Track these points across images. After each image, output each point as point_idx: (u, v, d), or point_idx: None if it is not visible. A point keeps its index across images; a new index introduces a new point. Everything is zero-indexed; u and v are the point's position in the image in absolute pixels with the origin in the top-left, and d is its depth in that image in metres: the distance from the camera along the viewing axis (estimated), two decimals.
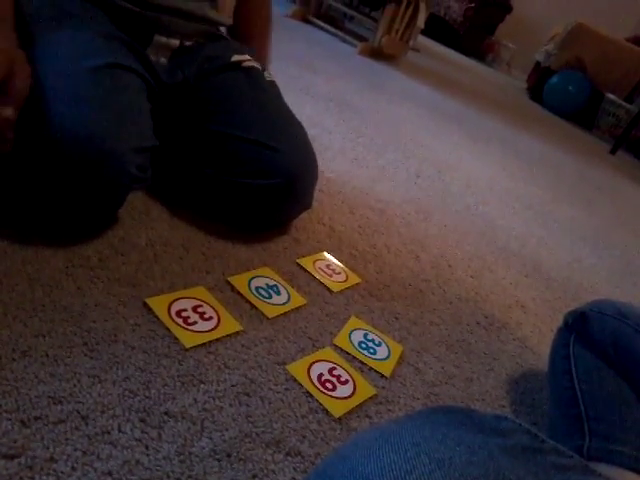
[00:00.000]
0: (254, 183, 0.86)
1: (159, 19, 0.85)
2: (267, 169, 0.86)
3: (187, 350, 0.65)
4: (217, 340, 0.68)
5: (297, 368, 0.69)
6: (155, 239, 0.80)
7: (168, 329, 0.66)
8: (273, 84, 1.00)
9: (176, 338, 0.65)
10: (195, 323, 0.69)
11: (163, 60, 0.89)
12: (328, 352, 0.74)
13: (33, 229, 0.71)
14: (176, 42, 0.89)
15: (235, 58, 0.95)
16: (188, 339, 0.66)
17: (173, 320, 0.68)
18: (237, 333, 0.70)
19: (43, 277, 0.65)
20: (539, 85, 4.36)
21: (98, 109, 0.69)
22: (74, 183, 0.67)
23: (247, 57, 0.97)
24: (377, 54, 2.97)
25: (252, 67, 0.97)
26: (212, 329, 0.69)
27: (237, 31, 1.06)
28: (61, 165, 0.66)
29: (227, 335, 0.69)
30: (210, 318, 0.71)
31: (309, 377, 0.68)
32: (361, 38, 3.17)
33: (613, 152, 3.52)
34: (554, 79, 4.20)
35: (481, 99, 3.34)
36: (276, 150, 0.87)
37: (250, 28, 1.08)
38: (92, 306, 0.64)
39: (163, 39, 0.88)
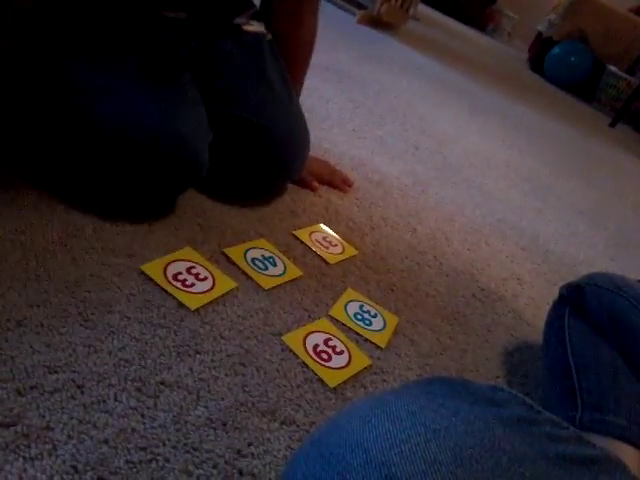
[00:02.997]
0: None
1: None
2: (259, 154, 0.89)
3: (193, 312, 0.66)
4: (213, 310, 0.68)
5: (293, 339, 0.69)
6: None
7: (166, 297, 0.66)
8: (274, 48, 0.97)
9: (172, 308, 0.65)
10: (193, 285, 0.69)
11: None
12: (324, 323, 0.74)
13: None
14: (183, 14, 0.89)
15: (237, 21, 0.94)
16: (193, 301, 0.67)
17: (172, 285, 0.68)
18: (233, 303, 0.70)
19: (37, 247, 0.65)
20: (540, 56, 4.29)
21: (184, 111, 0.76)
22: (157, 175, 0.74)
23: (248, 21, 0.95)
24: (376, 23, 2.91)
25: (253, 32, 0.95)
26: (210, 289, 0.70)
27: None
28: (150, 160, 0.72)
29: (225, 294, 0.71)
30: (205, 278, 0.71)
31: (305, 348, 0.68)
32: (360, 6, 3.09)
33: (613, 125, 3.49)
34: (555, 50, 4.13)
35: (481, 70, 3.30)
36: (266, 130, 0.87)
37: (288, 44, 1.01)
38: (87, 276, 0.64)
39: (172, 14, 0.87)
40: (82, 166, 0.75)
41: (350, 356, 0.71)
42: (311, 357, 0.67)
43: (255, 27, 0.96)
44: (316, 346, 0.69)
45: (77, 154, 0.75)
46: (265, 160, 0.89)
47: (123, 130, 0.71)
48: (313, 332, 0.72)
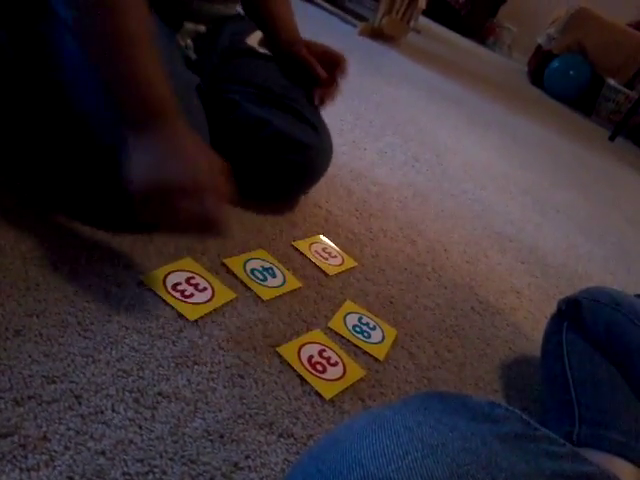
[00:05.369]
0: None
1: (189, 5, 0.87)
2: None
3: (192, 322, 0.66)
4: (212, 321, 0.68)
5: (287, 350, 0.69)
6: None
7: (165, 307, 0.66)
8: None
9: (171, 318, 0.65)
10: (192, 295, 0.69)
11: (190, 43, 0.91)
12: (318, 334, 0.74)
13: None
14: (203, 27, 0.92)
15: (250, 42, 0.99)
16: (192, 312, 0.67)
17: (172, 295, 0.68)
18: (232, 314, 0.70)
19: (37, 256, 0.65)
20: (540, 69, 4.32)
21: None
22: None
23: (259, 41, 1.01)
24: (377, 35, 2.92)
25: (265, 54, 1.01)
26: (209, 299, 0.70)
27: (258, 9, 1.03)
28: None
29: (224, 305, 0.71)
30: (205, 289, 0.71)
31: (299, 359, 0.68)
32: (361, 18, 3.12)
33: (612, 138, 3.51)
34: (555, 63, 4.16)
35: (481, 82, 3.31)
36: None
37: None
38: (86, 286, 0.64)
39: (192, 25, 0.90)
40: (78, 175, 0.73)
41: (345, 367, 0.71)
42: (306, 368, 0.67)
43: (263, 49, 1.01)
44: (310, 357, 0.69)
45: (71, 159, 0.73)
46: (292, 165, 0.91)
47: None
48: (307, 343, 0.72)
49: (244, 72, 0.95)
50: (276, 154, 0.90)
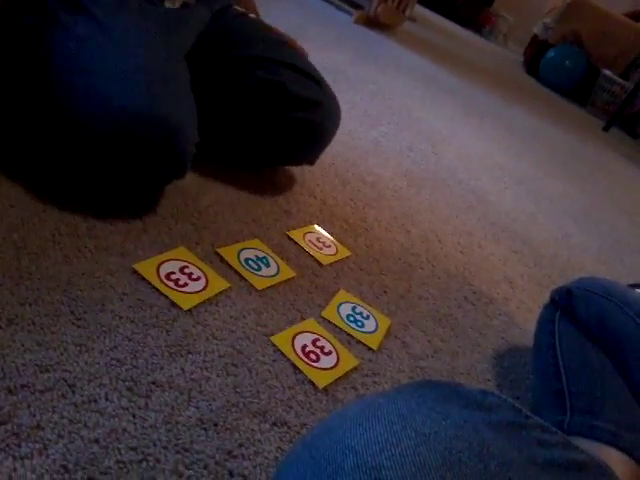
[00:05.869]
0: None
1: None
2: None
3: (186, 312, 0.66)
4: (206, 310, 0.68)
5: (281, 339, 0.69)
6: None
7: (159, 296, 0.66)
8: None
9: (164, 307, 0.65)
10: (186, 285, 0.69)
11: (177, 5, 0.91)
12: (311, 323, 0.74)
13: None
14: None
15: (239, 9, 1.02)
16: (185, 301, 0.67)
17: (165, 284, 0.68)
18: (226, 303, 0.70)
19: (30, 245, 0.64)
20: (536, 59, 4.31)
21: (167, 90, 0.72)
22: (144, 157, 0.70)
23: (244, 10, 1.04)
24: (373, 23, 2.91)
25: (255, 18, 1.04)
26: (203, 289, 0.70)
27: None
28: (135, 140, 0.68)
29: (218, 294, 0.71)
30: (198, 278, 0.71)
31: (293, 348, 0.69)
32: (357, 6, 3.09)
33: (606, 129, 3.51)
34: (551, 53, 4.15)
35: (477, 72, 3.30)
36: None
37: None
38: (79, 275, 0.64)
39: None
40: (58, 151, 0.72)
41: (338, 356, 0.71)
42: (299, 357, 0.68)
43: (252, 14, 1.04)
44: (304, 347, 0.70)
45: (50, 137, 0.71)
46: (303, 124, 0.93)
47: (98, 110, 0.67)
48: (301, 332, 0.72)
49: (245, 34, 0.97)
50: (289, 113, 0.91)
